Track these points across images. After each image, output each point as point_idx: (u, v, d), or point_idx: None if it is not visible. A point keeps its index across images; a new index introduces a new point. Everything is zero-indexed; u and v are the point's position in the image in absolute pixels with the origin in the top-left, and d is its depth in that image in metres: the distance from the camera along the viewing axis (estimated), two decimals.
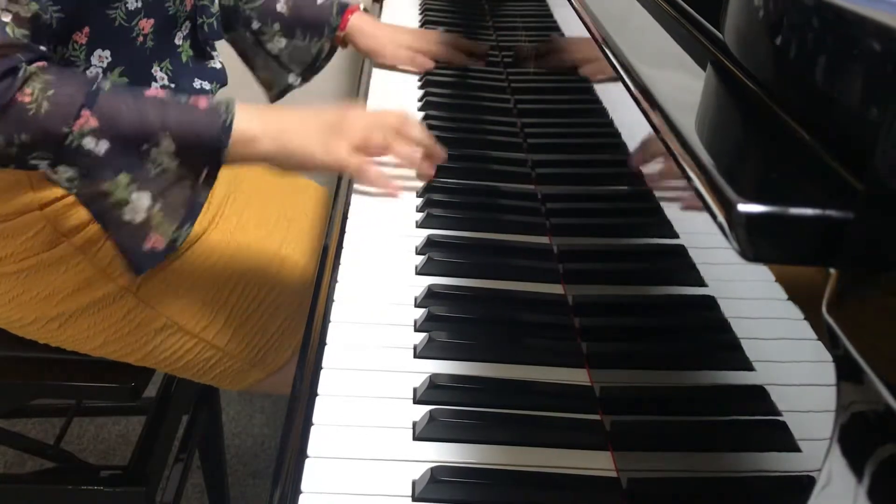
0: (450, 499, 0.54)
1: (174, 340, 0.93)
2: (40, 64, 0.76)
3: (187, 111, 0.80)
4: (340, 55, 1.26)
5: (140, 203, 0.80)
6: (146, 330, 0.92)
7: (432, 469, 0.55)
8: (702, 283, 0.47)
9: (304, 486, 0.53)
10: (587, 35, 0.70)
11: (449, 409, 0.60)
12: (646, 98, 0.50)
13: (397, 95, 1.16)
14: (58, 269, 0.88)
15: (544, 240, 0.83)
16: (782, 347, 0.39)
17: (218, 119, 0.80)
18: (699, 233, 0.47)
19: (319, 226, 1.11)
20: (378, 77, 1.21)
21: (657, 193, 0.54)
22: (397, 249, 0.80)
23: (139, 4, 0.85)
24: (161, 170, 0.80)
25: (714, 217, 0.36)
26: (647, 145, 0.54)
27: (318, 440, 0.57)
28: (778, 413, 0.39)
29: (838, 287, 0.33)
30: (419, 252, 0.80)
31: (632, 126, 0.58)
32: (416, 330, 0.69)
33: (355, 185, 0.90)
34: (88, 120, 0.76)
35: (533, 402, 0.62)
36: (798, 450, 0.37)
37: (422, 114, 1.10)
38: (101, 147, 0.77)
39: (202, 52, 0.99)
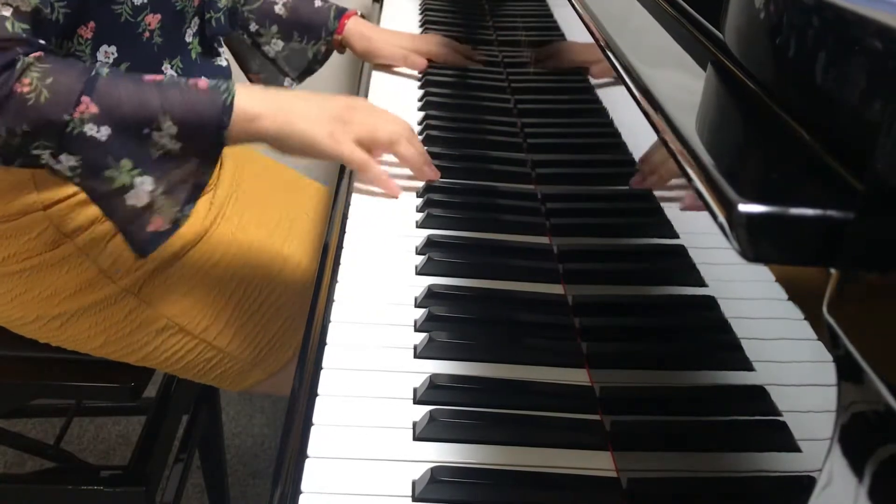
0: (450, 499, 0.54)
1: (175, 341, 0.93)
2: (37, 54, 0.76)
3: (187, 92, 0.79)
4: (340, 55, 1.26)
5: (143, 187, 0.79)
6: (147, 330, 0.92)
7: (432, 469, 0.55)
8: (702, 284, 0.47)
9: (304, 486, 0.53)
10: (587, 35, 0.70)
11: (449, 410, 0.60)
12: (646, 98, 0.50)
13: (397, 95, 1.16)
14: (60, 270, 0.88)
15: (544, 240, 0.83)
16: (782, 347, 0.39)
17: (218, 98, 0.79)
18: (699, 233, 0.47)
19: (321, 226, 1.10)
20: (378, 77, 1.21)
21: (657, 193, 0.54)
22: (397, 249, 0.80)
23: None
24: (163, 152, 0.79)
25: (714, 217, 0.36)
26: (652, 156, 0.54)
27: (318, 440, 0.57)
28: (778, 413, 0.39)
29: (839, 287, 0.33)
30: (419, 252, 0.80)
31: (632, 126, 0.58)
32: (416, 330, 0.69)
33: (355, 185, 0.90)
34: (88, 106, 0.75)
35: (533, 402, 0.62)
36: (798, 450, 0.37)
37: (422, 114, 1.10)
38: (103, 133, 0.76)
39: (210, 49, 0.99)
